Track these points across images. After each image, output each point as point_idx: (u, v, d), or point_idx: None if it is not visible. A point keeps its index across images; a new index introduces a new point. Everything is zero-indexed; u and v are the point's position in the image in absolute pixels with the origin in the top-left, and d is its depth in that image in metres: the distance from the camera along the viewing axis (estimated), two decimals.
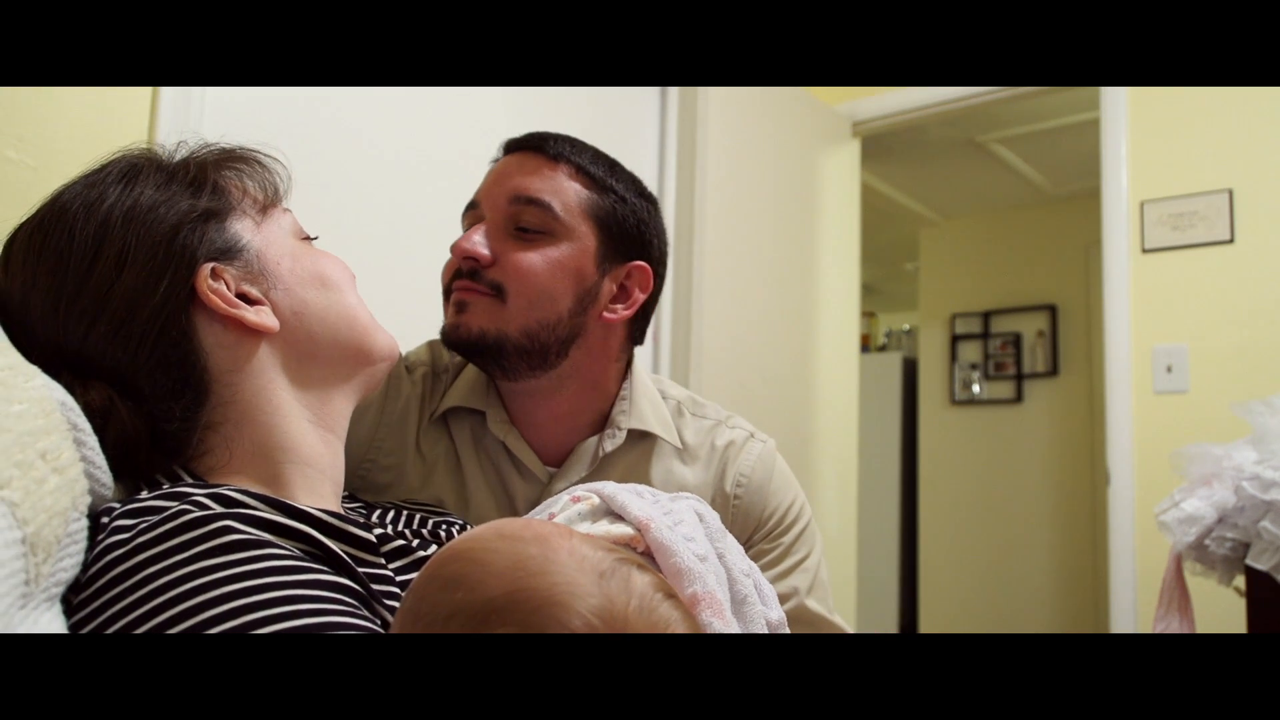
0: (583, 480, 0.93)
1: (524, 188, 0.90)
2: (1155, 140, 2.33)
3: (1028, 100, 2.85)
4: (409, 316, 1.15)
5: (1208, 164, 2.26)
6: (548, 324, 0.89)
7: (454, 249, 0.90)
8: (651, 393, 1.00)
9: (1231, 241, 2.21)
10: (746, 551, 0.96)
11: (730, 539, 0.63)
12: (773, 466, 1.01)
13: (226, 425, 0.65)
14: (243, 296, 0.66)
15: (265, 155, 0.74)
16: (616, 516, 0.58)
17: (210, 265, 0.65)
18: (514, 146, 0.96)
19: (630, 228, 0.94)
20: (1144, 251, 2.32)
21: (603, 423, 0.97)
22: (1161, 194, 2.31)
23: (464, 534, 0.51)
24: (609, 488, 0.60)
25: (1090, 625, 3.87)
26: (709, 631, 0.52)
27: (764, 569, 0.97)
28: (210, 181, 0.68)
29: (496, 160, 0.97)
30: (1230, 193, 2.22)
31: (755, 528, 0.99)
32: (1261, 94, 2.20)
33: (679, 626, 0.48)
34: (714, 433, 1.01)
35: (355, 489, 0.93)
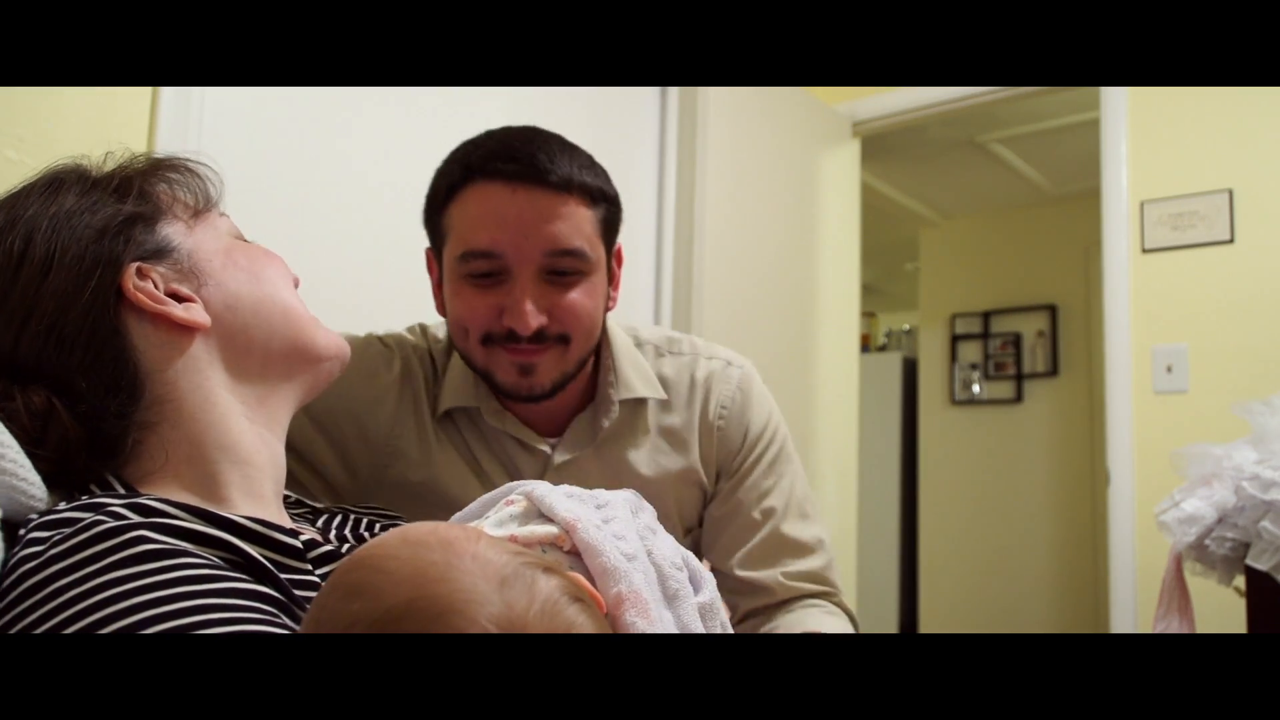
0: (587, 453, 1.00)
1: (557, 240, 0.88)
2: (1155, 140, 2.33)
3: (1028, 100, 2.85)
4: (411, 313, 1.15)
5: (1208, 164, 2.26)
6: (593, 344, 0.95)
7: (515, 321, 0.88)
8: (630, 352, 1.03)
9: (1231, 241, 2.21)
10: (731, 476, 1.03)
11: (661, 533, 0.63)
12: (750, 391, 1.05)
13: (163, 425, 0.64)
14: (173, 295, 0.66)
15: (196, 163, 0.74)
16: (547, 517, 0.58)
17: (136, 265, 0.65)
18: (508, 175, 0.88)
19: (618, 222, 0.97)
20: (1144, 251, 2.32)
21: (591, 388, 1.01)
22: (1161, 194, 2.31)
23: (370, 540, 0.51)
24: (539, 489, 0.60)
25: (1090, 625, 3.87)
26: (631, 631, 0.51)
27: (745, 491, 1.04)
28: (136, 188, 0.68)
29: (469, 181, 0.89)
30: (1230, 193, 2.22)
31: (736, 452, 1.04)
32: (1261, 94, 2.20)
33: (585, 630, 0.47)
34: (693, 366, 1.05)
35: (381, 481, 0.99)
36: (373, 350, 1.01)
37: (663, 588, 0.57)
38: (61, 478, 0.61)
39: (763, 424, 1.05)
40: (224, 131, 1.48)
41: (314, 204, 1.64)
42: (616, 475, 1.00)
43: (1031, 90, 2.60)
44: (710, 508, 1.05)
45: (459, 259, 0.89)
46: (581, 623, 0.47)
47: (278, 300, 0.71)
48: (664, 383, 1.04)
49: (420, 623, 0.43)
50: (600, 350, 1.01)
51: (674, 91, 2.39)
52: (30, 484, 0.58)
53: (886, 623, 4.44)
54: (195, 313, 0.66)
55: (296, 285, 0.77)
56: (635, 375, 1.01)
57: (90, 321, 0.62)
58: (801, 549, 1.03)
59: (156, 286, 0.65)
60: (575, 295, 0.90)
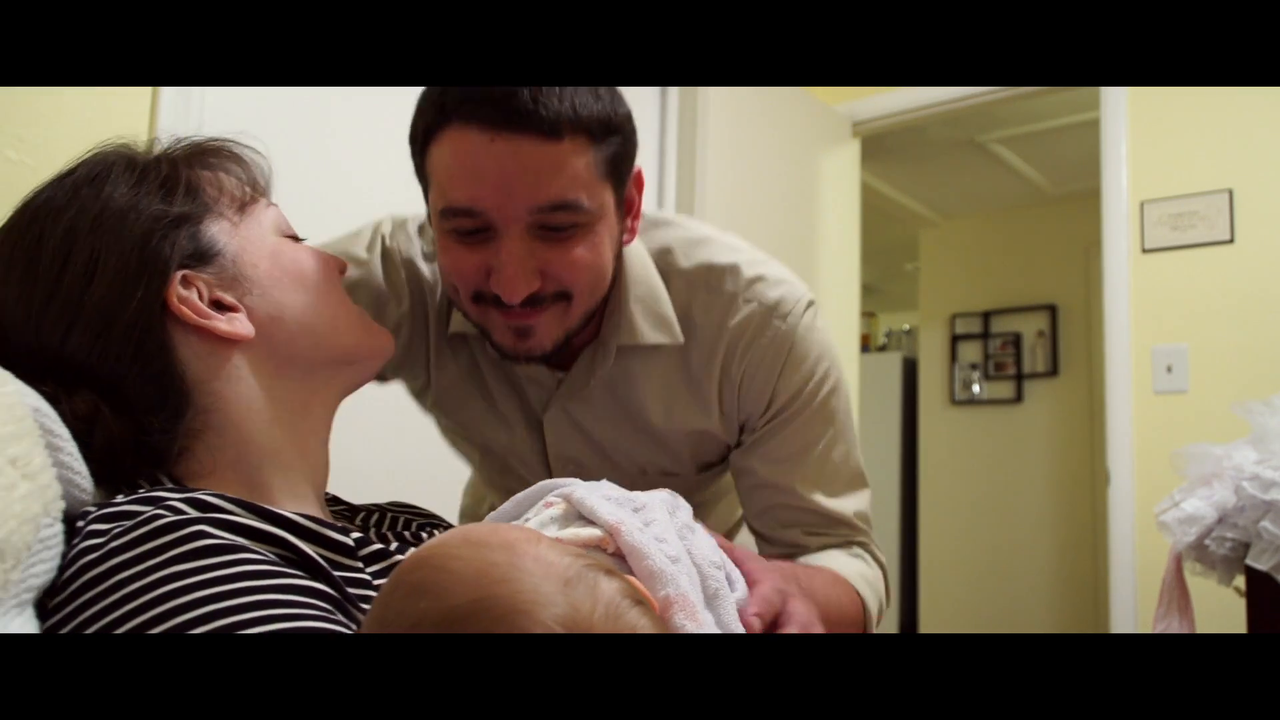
0: (598, 391, 0.93)
1: (546, 195, 0.75)
2: (1155, 140, 2.33)
3: (1028, 100, 2.85)
4: None
5: (1208, 164, 2.26)
6: (600, 295, 0.84)
7: (501, 289, 0.78)
8: (647, 290, 0.90)
9: (1231, 241, 2.21)
10: (753, 432, 0.94)
11: (699, 532, 0.63)
12: (789, 349, 0.90)
13: (208, 433, 0.64)
14: (217, 303, 0.65)
15: (245, 147, 0.72)
16: (587, 520, 0.58)
17: (181, 273, 0.64)
18: (485, 120, 0.74)
19: (632, 151, 0.82)
20: (1144, 251, 2.32)
21: (600, 325, 0.91)
22: (1161, 194, 2.31)
23: (431, 540, 0.51)
24: (578, 492, 0.60)
25: (1090, 625, 3.87)
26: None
27: (767, 452, 0.93)
28: (183, 181, 0.66)
29: (443, 125, 0.76)
30: (1230, 193, 2.22)
31: (761, 413, 0.93)
32: (1261, 94, 2.20)
33: (647, 632, 0.47)
34: (728, 310, 0.90)
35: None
36: (381, 280, 0.94)
37: (704, 588, 0.58)
38: (109, 476, 0.61)
39: (795, 388, 0.91)
40: (224, 132, 1.48)
41: (315, 204, 1.64)
42: (624, 415, 0.94)
43: (1031, 90, 2.60)
44: (732, 456, 0.97)
45: (440, 214, 0.78)
46: (643, 625, 0.47)
47: (323, 308, 0.70)
48: (689, 325, 0.91)
49: (485, 623, 0.44)
50: (612, 286, 0.87)
51: (674, 91, 2.39)
52: (83, 477, 0.58)
53: (886, 623, 4.42)
54: (239, 325, 0.65)
55: (343, 271, 0.76)
56: (645, 319, 0.89)
57: (138, 336, 0.62)
58: (824, 516, 0.94)
59: (201, 296, 0.64)
60: (575, 251, 0.78)
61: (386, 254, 0.95)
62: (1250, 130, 2.22)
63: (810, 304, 0.93)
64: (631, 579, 0.52)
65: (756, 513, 0.97)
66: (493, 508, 1.21)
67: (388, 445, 1.66)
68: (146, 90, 1.39)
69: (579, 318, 0.83)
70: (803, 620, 0.66)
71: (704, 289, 0.91)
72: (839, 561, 0.92)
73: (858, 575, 0.91)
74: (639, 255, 0.91)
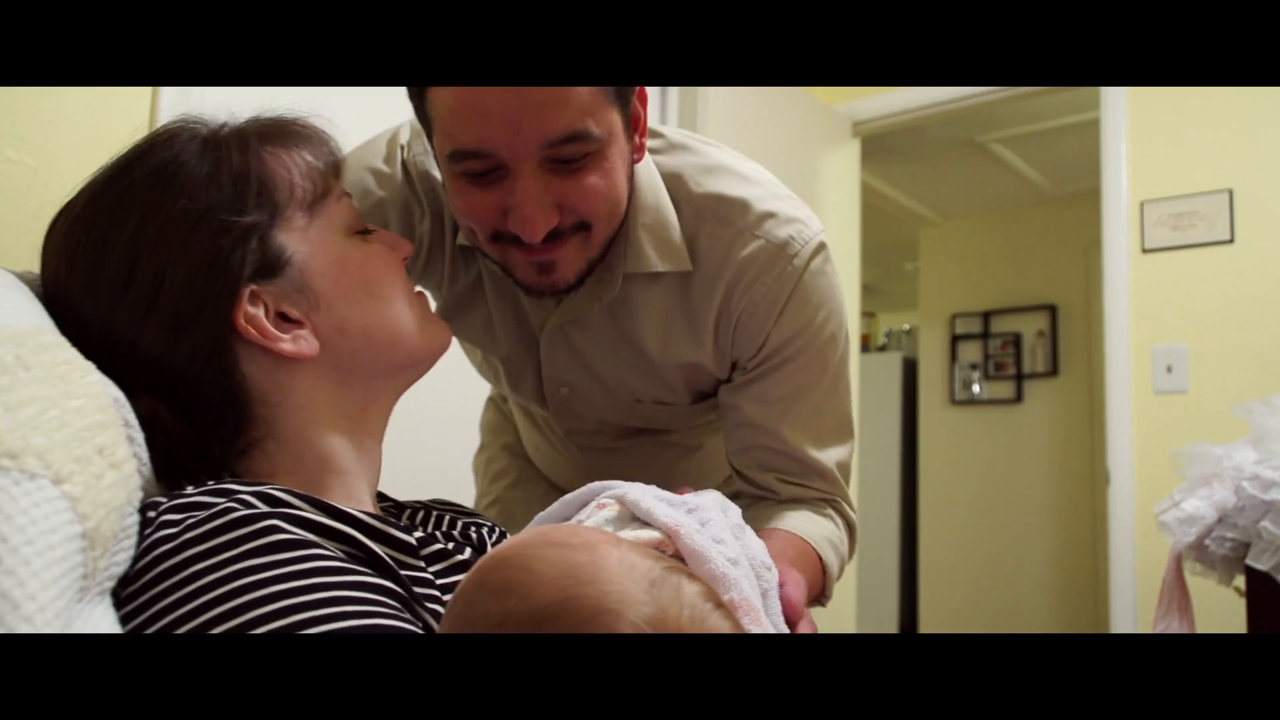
0: (599, 316, 0.92)
1: (554, 129, 0.73)
2: (1155, 140, 2.34)
3: (1028, 100, 2.85)
4: None
5: (1208, 164, 2.26)
6: (619, 220, 0.83)
7: (520, 228, 0.77)
8: (657, 216, 0.89)
9: (1231, 241, 2.21)
10: (746, 372, 0.92)
11: (749, 533, 0.62)
12: (789, 293, 0.88)
13: (267, 440, 0.65)
14: (282, 314, 0.65)
15: (317, 130, 0.71)
16: (642, 522, 0.58)
17: (249, 289, 0.63)
18: None
19: None
20: (1144, 251, 2.32)
21: (610, 239, 0.88)
22: (1161, 194, 2.31)
23: (510, 540, 0.51)
24: (631, 494, 0.60)
25: (1090, 625, 3.87)
26: None
27: (755, 393, 0.92)
28: (254, 178, 0.65)
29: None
30: (1230, 193, 2.22)
31: (753, 354, 0.91)
32: (1261, 94, 2.20)
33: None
34: (734, 244, 0.88)
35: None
36: (406, 192, 0.93)
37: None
38: (167, 472, 0.61)
39: (790, 334, 0.89)
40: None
41: None
42: (621, 342, 0.94)
43: (1031, 90, 2.60)
44: (721, 390, 0.96)
45: (448, 158, 0.77)
46: (726, 628, 0.48)
47: (385, 318, 0.70)
48: (694, 254, 0.89)
49: (573, 623, 0.44)
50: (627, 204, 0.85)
51: (674, 91, 2.39)
52: (149, 469, 0.58)
53: (886, 623, 4.44)
54: (303, 345, 0.65)
55: (408, 256, 0.75)
56: (652, 246, 0.88)
57: (203, 353, 0.62)
58: (803, 465, 0.93)
59: (267, 311, 0.64)
60: (589, 180, 0.77)
61: (404, 168, 0.94)
62: (1250, 130, 2.22)
63: (820, 247, 0.90)
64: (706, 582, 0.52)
65: (737, 450, 0.96)
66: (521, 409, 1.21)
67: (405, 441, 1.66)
68: (146, 90, 1.39)
69: (600, 246, 0.82)
70: (811, 620, 0.66)
71: (712, 219, 0.89)
72: (806, 524, 0.91)
73: (823, 539, 0.91)
74: (650, 180, 0.89)
